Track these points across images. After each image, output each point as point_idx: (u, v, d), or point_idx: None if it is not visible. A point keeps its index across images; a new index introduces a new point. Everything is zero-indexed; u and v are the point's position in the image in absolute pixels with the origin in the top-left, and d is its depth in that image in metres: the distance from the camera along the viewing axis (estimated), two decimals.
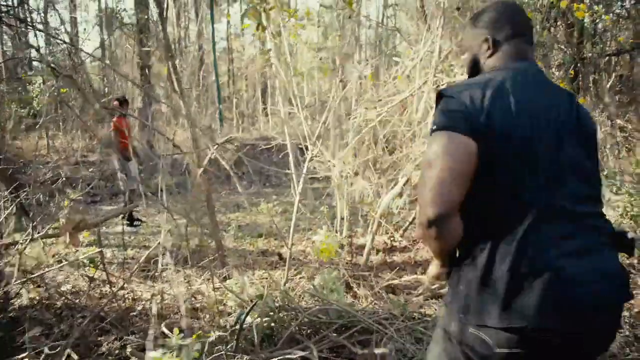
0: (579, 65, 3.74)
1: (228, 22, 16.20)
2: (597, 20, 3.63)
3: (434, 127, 1.32)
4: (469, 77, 1.53)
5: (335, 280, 3.61)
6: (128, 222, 6.65)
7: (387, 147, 5.05)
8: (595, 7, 3.41)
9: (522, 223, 1.25)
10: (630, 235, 1.35)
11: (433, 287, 3.62)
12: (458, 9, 3.54)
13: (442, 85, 3.59)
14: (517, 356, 1.24)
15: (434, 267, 1.48)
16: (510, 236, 1.26)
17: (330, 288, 3.47)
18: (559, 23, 3.76)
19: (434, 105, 1.41)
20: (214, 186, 8.26)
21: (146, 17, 11.34)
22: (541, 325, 1.21)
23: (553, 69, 3.58)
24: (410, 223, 5.40)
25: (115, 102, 6.82)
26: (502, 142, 1.26)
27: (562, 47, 3.76)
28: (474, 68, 1.51)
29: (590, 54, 3.90)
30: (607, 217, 1.40)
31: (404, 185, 4.28)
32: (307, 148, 3.94)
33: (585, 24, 3.64)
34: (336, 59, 5.66)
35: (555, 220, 1.27)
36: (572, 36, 3.89)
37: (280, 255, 4.90)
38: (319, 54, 5.26)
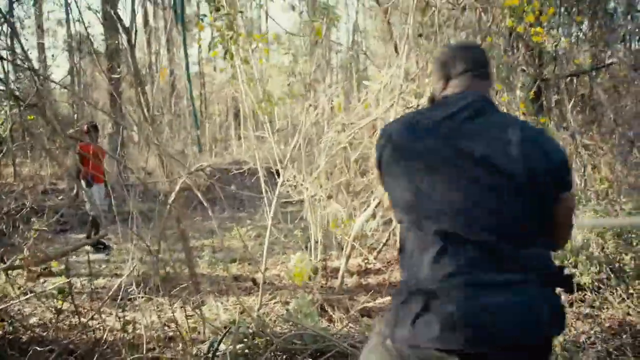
0: (540, 86, 3.86)
1: (199, 47, 16.22)
2: (556, 43, 3.77)
3: None
4: None
5: (310, 304, 3.60)
6: (92, 247, 6.55)
7: (359, 169, 5.10)
8: (553, 32, 3.55)
9: (434, 246, 1.30)
10: (566, 271, 1.37)
11: None
12: (420, 35, 3.65)
13: (410, 107, 3.67)
14: None
15: None
16: (426, 257, 1.31)
17: (305, 312, 3.45)
18: (520, 46, 3.91)
19: None
20: (186, 212, 8.15)
21: (116, 42, 11.28)
22: (442, 347, 1.25)
23: (517, 91, 3.69)
24: (384, 245, 5.43)
25: (84, 128, 6.80)
26: (416, 166, 1.36)
27: (523, 68, 3.90)
28: (431, 102, 1.60)
29: (550, 76, 4.03)
30: (546, 253, 1.39)
31: (376, 207, 4.31)
32: (278, 172, 3.95)
33: (545, 47, 3.78)
34: (307, 83, 5.72)
35: (475, 250, 1.28)
36: (533, 58, 4.03)
37: (254, 280, 4.85)
38: (289, 79, 5.31)
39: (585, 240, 3.95)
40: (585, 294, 3.73)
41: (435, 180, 1.32)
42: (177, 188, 3.41)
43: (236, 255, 5.89)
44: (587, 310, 3.57)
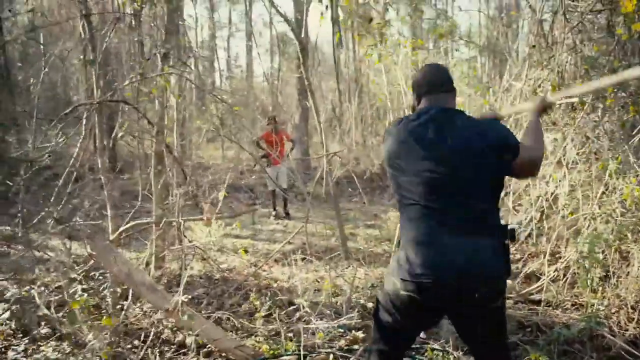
0: None
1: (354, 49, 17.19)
2: None
3: None
4: None
5: None
6: (274, 215, 8.15)
7: None
8: None
9: (419, 215, 1.91)
10: (510, 226, 1.89)
11: None
12: (533, 46, 3.87)
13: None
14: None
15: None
16: (414, 222, 1.92)
17: None
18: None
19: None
20: (355, 198, 9.16)
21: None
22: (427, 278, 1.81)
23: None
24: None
25: (268, 120, 8.40)
26: (398, 167, 1.95)
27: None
28: (413, 110, 2.13)
29: None
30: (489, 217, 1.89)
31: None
32: None
33: None
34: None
35: (440, 217, 1.87)
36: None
37: None
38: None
39: None
40: None
41: (423, 174, 1.90)
42: (337, 170, 4.19)
43: (390, 236, 6.56)
44: None
